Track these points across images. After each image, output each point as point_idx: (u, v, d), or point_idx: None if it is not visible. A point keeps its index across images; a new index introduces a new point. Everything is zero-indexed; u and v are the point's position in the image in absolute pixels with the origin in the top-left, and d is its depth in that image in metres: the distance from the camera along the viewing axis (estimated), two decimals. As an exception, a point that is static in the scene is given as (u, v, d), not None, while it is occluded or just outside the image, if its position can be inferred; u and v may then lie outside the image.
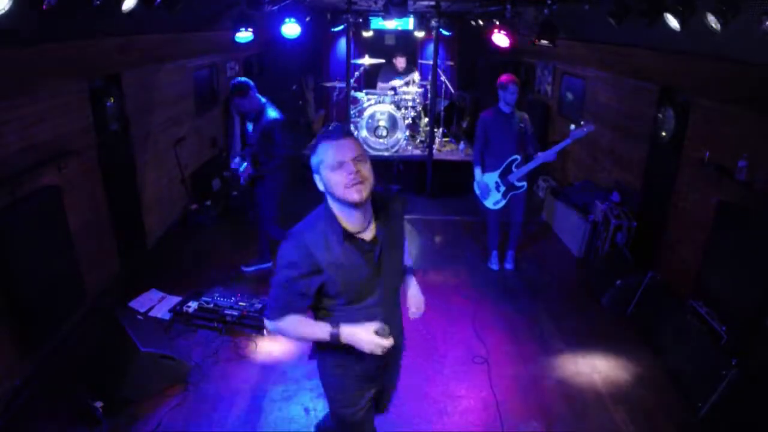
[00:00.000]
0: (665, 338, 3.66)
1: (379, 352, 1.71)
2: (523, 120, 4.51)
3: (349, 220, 1.71)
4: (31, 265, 3.24)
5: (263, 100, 4.23)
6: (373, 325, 1.72)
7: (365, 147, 6.78)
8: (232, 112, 4.44)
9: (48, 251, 3.42)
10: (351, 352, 1.80)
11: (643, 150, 4.69)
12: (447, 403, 3.23)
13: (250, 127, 4.31)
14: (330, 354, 1.92)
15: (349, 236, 1.70)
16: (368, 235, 1.75)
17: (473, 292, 4.54)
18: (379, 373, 1.98)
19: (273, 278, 1.77)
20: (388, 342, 1.71)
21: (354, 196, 1.61)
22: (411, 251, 2.13)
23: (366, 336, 1.71)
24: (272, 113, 4.17)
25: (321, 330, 1.76)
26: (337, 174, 1.61)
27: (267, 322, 1.84)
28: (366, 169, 1.64)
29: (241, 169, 4.32)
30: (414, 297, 2.09)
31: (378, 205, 1.80)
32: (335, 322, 1.77)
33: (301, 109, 9.17)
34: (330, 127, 1.56)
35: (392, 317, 1.89)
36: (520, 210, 4.74)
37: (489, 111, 4.55)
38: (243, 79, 4.15)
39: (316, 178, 1.72)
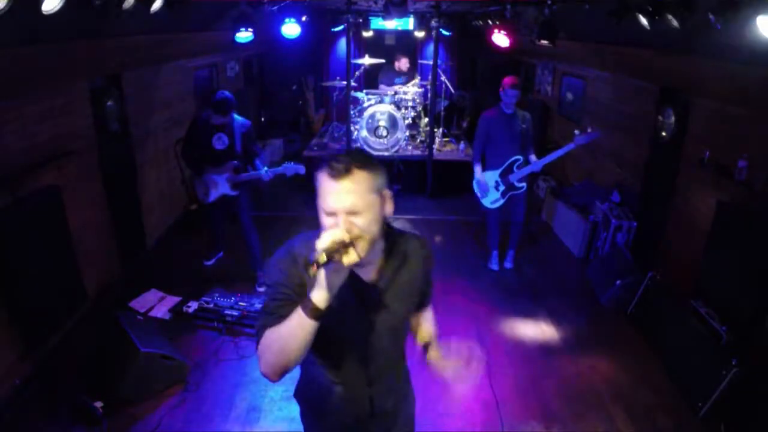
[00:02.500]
0: (665, 338, 3.66)
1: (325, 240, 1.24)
2: (525, 120, 4.52)
3: None
4: (31, 265, 3.25)
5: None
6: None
7: (365, 147, 6.83)
8: (199, 126, 4.14)
9: (48, 251, 3.42)
10: (328, 387, 1.58)
11: (643, 150, 4.69)
12: (447, 403, 3.22)
13: (221, 138, 4.08)
14: (309, 388, 1.69)
15: None
16: (368, 273, 1.46)
17: (473, 292, 4.54)
18: (363, 430, 1.65)
19: (264, 293, 1.55)
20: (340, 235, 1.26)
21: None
22: (436, 332, 1.78)
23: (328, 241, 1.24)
24: (238, 117, 4.16)
25: (296, 318, 1.30)
26: (329, 221, 1.31)
27: (257, 348, 1.45)
28: (363, 223, 1.29)
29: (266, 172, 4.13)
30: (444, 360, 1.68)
31: (394, 247, 1.50)
32: (308, 361, 1.52)
33: (301, 109, 9.18)
34: (336, 158, 1.29)
35: (385, 373, 1.61)
36: (520, 210, 4.74)
37: (491, 110, 4.55)
38: (228, 94, 4.02)
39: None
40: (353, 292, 1.44)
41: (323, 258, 1.19)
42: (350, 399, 1.59)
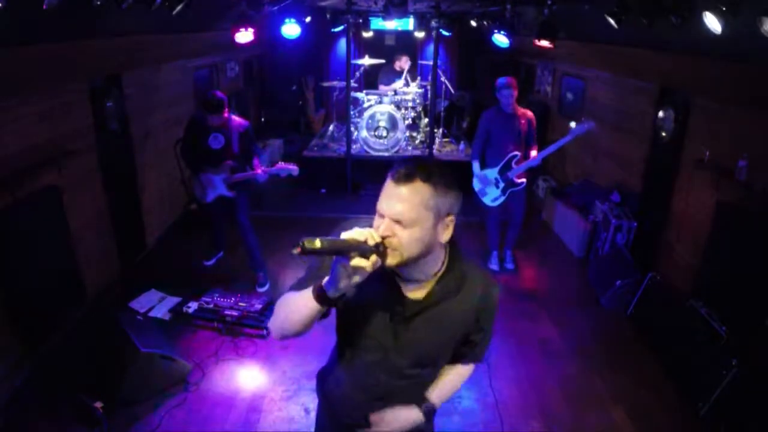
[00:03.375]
0: (665, 338, 3.66)
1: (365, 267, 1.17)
2: (527, 119, 4.52)
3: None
4: (32, 266, 3.25)
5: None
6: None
7: (365, 148, 6.83)
8: (195, 126, 4.11)
9: (48, 252, 3.42)
10: (337, 385, 1.57)
11: (643, 150, 4.69)
12: (447, 404, 3.21)
13: (217, 137, 4.07)
14: (325, 377, 1.67)
15: (386, 277, 1.35)
16: (414, 292, 1.38)
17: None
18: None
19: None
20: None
21: None
22: (445, 388, 1.63)
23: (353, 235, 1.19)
24: (236, 117, 4.15)
25: (307, 291, 1.29)
26: (376, 221, 1.26)
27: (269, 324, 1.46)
28: (405, 238, 1.21)
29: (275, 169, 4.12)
30: (393, 415, 1.52)
31: (452, 273, 1.38)
32: (334, 350, 1.57)
33: (301, 109, 9.18)
34: (407, 160, 1.24)
35: (396, 398, 1.52)
36: (520, 210, 4.74)
37: (491, 110, 4.57)
38: (218, 93, 4.00)
39: None
40: (390, 304, 1.37)
41: (313, 245, 1.08)
42: (351, 407, 1.55)
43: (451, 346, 1.50)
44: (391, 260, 1.23)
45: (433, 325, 1.39)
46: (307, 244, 1.08)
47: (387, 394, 1.50)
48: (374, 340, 1.42)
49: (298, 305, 1.30)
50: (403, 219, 1.20)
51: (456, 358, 1.59)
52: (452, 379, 1.62)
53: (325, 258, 1.32)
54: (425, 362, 1.48)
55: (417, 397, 1.55)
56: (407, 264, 1.27)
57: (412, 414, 1.54)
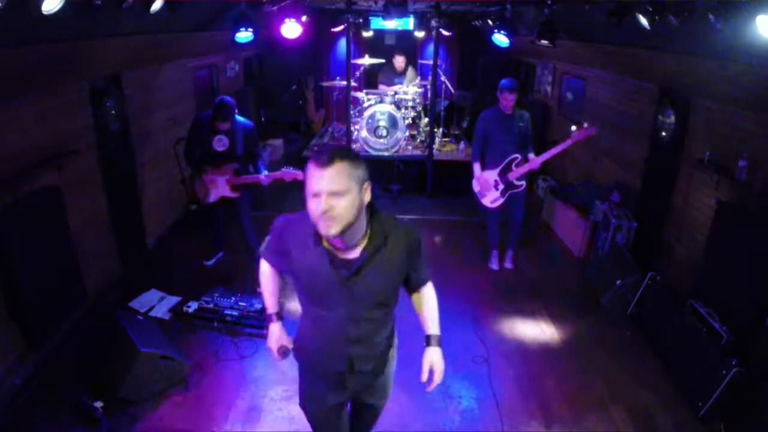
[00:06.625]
0: (665, 338, 3.66)
1: (272, 353, 1.99)
2: (523, 119, 4.52)
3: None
4: (32, 265, 3.25)
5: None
6: (286, 340, 1.99)
7: (365, 147, 6.83)
8: (199, 127, 4.12)
9: (48, 251, 3.42)
10: (314, 353, 1.91)
11: (643, 150, 4.69)
12: (447, 404, 3.23)
13: (221, 140, 4.08)
14: (298, 347, 1.99)
15: (322, 241, 1.68)
16: (350, 254, 1.70)
17: (473, 292, 4.55)
18: (343, 383, 1.90)
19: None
20: (275, 354, 1.98)
21: (322, 229, 1.56)
22: (433, 317, 2.01)
23: (270, 343, 1.99)
24: (240, 118, 4.15)
25: (270, 304, 2.02)
26: (312, 203, 1.54)
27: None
28: (342, 206, 1.52)
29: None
30: (432, 366, 1.91)
31: (378, 230, 1.71)
32: (302, 314, 1.91)
33: (301, 109, 9.18)
34: (322, 150, 1.54)
35: (365, 338, 1.83)
36: (520, 210, 4.74)
37: (490, 110, 4.55)
38: (227, 99, 4.01)
39: None
40: (337, 268, 1.69)
41: None
42: (331, 356, 1.85)
43: (395, 287, 1.84)
44: (336, 228, 1.55)
45: (375, 274, 1.72)
46: None
47: (357, 338, 1.81)
48: (332, 298, 1.73)
49: (265, 297, 2.04)
50: (339, 190, 1.52)
51: (414, 289, 2.00)
52: (429, 305, 2.01)
53: (277, 238, 1.84)
54: (379, 305, 1.80)
55: (381, 335, 1.89)
56: (347, 229, 1.58)
57: (436, 352, 1.92)
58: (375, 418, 2.24)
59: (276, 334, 1.99)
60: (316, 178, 1.52)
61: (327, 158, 1.52)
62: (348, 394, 1.98)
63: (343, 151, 1.58)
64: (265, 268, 2.01)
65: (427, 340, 1.95)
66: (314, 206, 1.53)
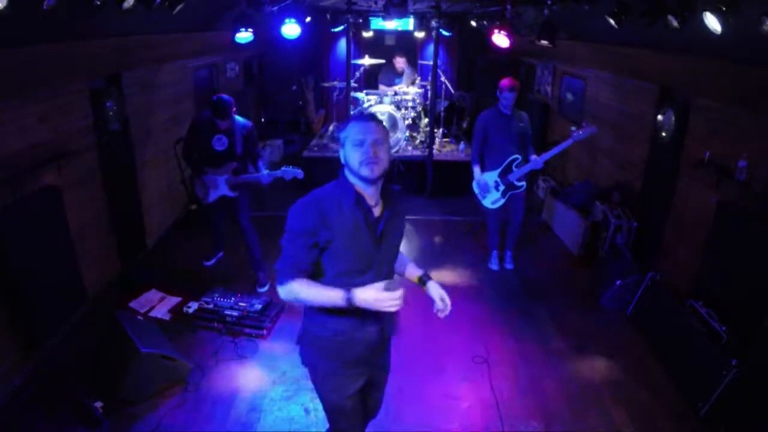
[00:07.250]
0: (665, 338, 3.66)
1: (395, 307, 1.75)
2: (522, 120, 4.51)
3: (363, 192, 1.89)
4: (32, 265, 3.25)
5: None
6: (381, 284, 1.77)
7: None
8: (199, 127, 4.12)
9: (48, 251, 3.42)
10: (343, 334, 1.94)
11: (643, 150, 4.69)
12: (447, 404, 3.22)
13: (221, 140, 4.06)
14: (320, 337, 1.99)
15: (360, 201, 1.86)
16: (376, 211, 1.92)
17: (473, 292, 4.55)
18: (368, 360, 2.04)
19: (283, 239, 1.88)
20: (399, 293, 1.75)
21: (366, 171, 1.80)
22: (413, 264, 2.24)
23: (379, 294, 1.74)
24: (239, 118, 4.14)
25: (335, 294, 1.80)
26: (357, 150, 1.81)
27: (279, 289, 1.88)
28: (383, 152, 1.83)
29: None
30: (441, 295, 2.06)
31: (386, 194, 1.97)
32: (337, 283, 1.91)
33: (301, 109, 9.18)
34: (362, 111, 1.71)
35: None
36: (520, 210, 4.74)
37: (489, 111, 4.55)
38: (226, 97, 4.00)
39: (341, 151, 1.92)
40: (367, 224, 1.87)
41: None
42: (365, 327, 1.95)
43: (402, 239, 2.08)
44: (379, 170, 1.83)
45: (393, 231, 1.98)
46: None
47: None
48: (366, 259, 1.89)
49: (326, 297, 1.82)
50: (381, 138, 1.85)
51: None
52: (406, 259, 2.25)
53: (305, 225, 1.83)
54: (395, 256, 2.07)
55: None
56: (382, 176, 1.86)
57: (435, 284, 2.10)
58: (382, 396, 2.37)
59: (372, 289, 1.76)
60: (362, 128, 1.83)
61: (370, 115, 1.90)
62: (366, 374, 2.09)
63: (375, 114, 1.98)
64: (294, 288, 1.84)
65: (425, 278, 2.13)
66: (359, 153, 1.81)
